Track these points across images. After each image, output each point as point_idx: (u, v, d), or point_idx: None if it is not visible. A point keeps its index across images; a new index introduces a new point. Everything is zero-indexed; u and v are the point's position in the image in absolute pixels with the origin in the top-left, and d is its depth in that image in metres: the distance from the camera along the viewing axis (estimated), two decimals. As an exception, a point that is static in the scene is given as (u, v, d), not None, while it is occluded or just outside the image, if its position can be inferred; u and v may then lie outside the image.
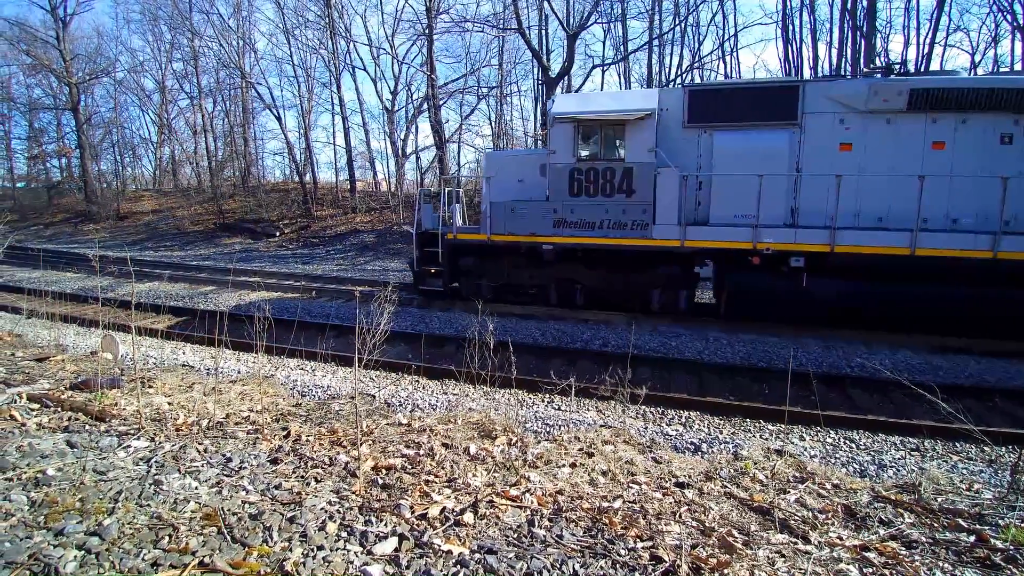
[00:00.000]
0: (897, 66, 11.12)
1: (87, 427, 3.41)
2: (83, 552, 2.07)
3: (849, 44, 22.22)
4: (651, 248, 9.76)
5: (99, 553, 2.07)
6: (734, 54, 27.15)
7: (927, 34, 21.84)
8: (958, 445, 5.49)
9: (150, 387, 4.37)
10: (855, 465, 5.05)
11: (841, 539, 2.63)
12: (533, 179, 10.62)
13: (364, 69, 30.35)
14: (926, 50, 21.80)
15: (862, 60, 20.60)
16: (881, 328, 8.99)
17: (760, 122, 9.37)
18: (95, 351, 6.34)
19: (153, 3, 34.03)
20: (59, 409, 3.74)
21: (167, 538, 2.18)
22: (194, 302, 12.14)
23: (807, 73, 23.10)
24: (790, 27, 24.80)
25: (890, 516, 2.90)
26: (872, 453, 5.35)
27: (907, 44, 23.00)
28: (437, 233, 11.08)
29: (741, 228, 9.22)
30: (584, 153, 9.94)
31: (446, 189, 11.85)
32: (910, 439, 5.64)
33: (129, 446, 3.10)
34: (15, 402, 3.80)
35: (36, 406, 3.78)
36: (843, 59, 22.27)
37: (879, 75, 9.77)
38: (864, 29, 21.01)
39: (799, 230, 9.10)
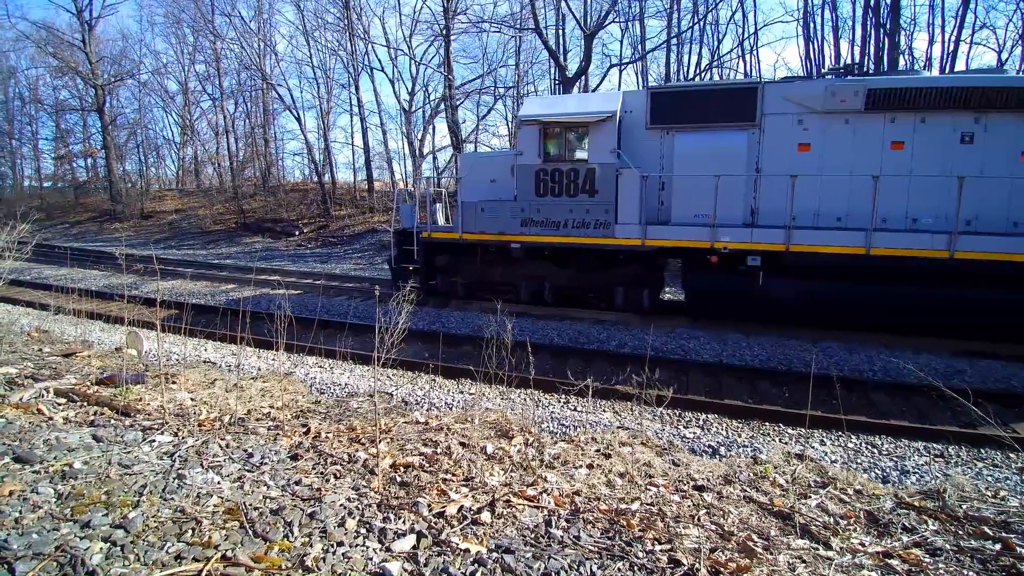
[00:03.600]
0: (855, 66, 11.12)
1: (112, 421, 3.48)
2: (109, 544, 2.10)
3: (872, 42, 21.80)
4: (613, 247, 9.99)
5: (124, 545, 2.10)
6: (754, 52, 26.79)
7: (952, 31, 21.30)
8: (983, 451, 5.38)
9: (173, 383, 4.45)
10: (877, 471, 4.98)
11: (863, 545, 2.59)
12: (504, 179, 10.89)
13: (382, 70, 30.71)
14: (951, 48, 21.27)
15: (886, 58, 20.20)
16: (836, 327, 9.04)
17: (720, 123, 9.53)
18: (120, 347, 6.47)
19: (176, 6, 34.61)
20: (85, 404, 3.82)
21: (190, 531, 2.21)
22: (216, 300, 12.34)
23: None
24: (811, 25, 24.39)
25: (914, 523, 2.85)
26: (895, 459, 5.26)
27: (931, 42, 22.51)
28: (414, 232, 11.38)
29: (700, 227, 9.36)
30: (549, 154, 10.20)
31: (428, 189, 12.26)
32: (934, 444, 5.53)
33: (153, 440, 3.16)
34: (42, 396, 3.88)
35: (63, 400, 3.87)
36: (866, 57, 21.86)
37: (833, 75, 9.85)
38: (888, 26, 20.60)
39: (755, 229, 9.21)
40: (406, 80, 29.13)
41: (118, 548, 2.08)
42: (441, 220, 12.14)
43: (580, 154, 10.04)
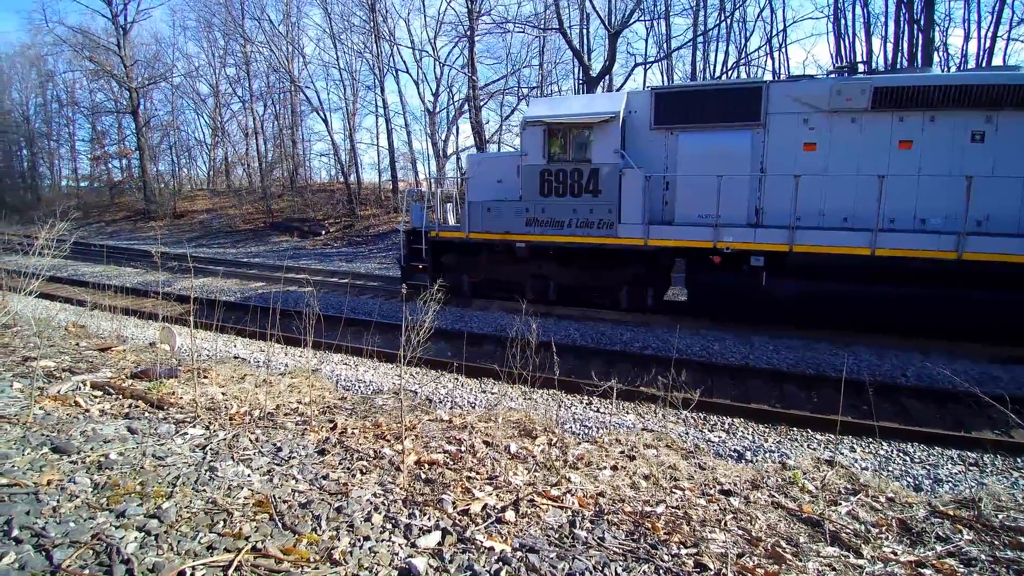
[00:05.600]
0: (862, 65, 10.92)
1: (146, 414, 3.58)
2: (143, 534, 2.15)
3: (906, 38, 21.21)
4: (616, 246, 10.02)
5: (158, 535, 2.15)
6: (783, 50, 26.33)
7: (989, 27, 20.62)
8: (1020, 460, 5.20)
9: (205, 378, 4.55)
10: (909, 479, 4.86)
11: (895, 554, 2.52)
12: (510, 180, 11.02)
13: (407, 72, 30.95)
14: (988, 44, 20.59)
15: (919, 55, 19.63)
16: (841, 329, 8.90)
17: (724, 123, 9.47)
18: (153, 342, 6.65)
19: (208, 11, 35.44)
20: (120, 396, 3.92)
21: (222, 523, 2.26)
22: (246, 298, 12.60)
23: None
24: (842, 21, 23.86)
25: (947, 532, 2.77)
26: (927, 467, 5.12)
27: (967, 38, 21.78)
28: (423, 231, 11.54)
29: (703, 227, 9.33)
30: (554, 155, 10.28)
31: (437, 189, 12.41)
32: (968, 453, 5.37)
33: (186, 433, 3.24)
34: (80, 389, 4.00)
35: (99, 393, 3.98)
36: (899, 54, 21.28)
37: (838, 74, 9.82)
38: (922, 23, 20.02)
39: (759, 229, 9.14)
40: (430, 81, 29.44)
41: (152, 538, 2.13)
42: (452, 220, 12.30)
43: (584, 154, 10.09)
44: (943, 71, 16.62)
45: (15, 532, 2.06)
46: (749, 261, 9.10)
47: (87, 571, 1.89)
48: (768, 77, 24.05)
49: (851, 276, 8.57)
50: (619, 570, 2.18)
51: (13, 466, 2.58)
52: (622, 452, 3.63)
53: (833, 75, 10.05)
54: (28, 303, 7.66)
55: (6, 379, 3.97)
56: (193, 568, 1.94)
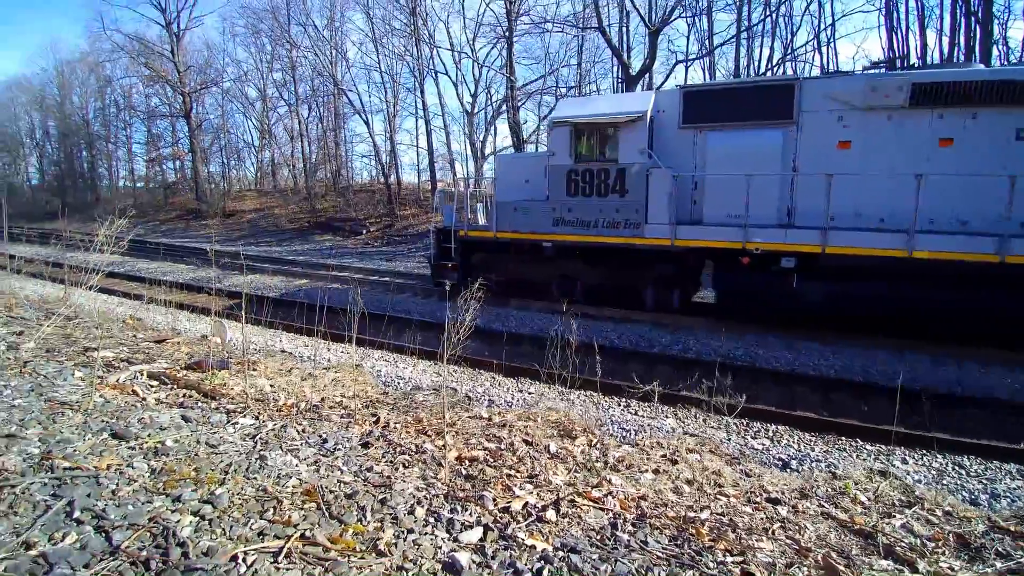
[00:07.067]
0: (899, 61, 10.43)
1: (199, 404, 3.71)
2: (197, 518, 2.22)
3: (962, 31, 20.16)
4: (643, 247, 9.93)
5: (212, 520, 2.22)
6: (831, 45, 25.43)
7: (1052, 20, 19.45)
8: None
9: (254, 370, 4.70)
10: (964, 493, 4.64)
11: (953, 570, 2.40)
12: (538, 180, 11.06)
13: (446, 73, 31.16)
14: (1050, 37, 19.40)
15: (977, 49, 18.63)
16: (875, 334, 8.53)
17: (755, 121, 9.22)
18: (205, 335, 6.92)
19: (256, 18, 36.65)
20: (175, 386, 4.08)
21: (271, 510, 2.33)
22: (291, 293, 12.97)
23: (915, 63, 21.26)
24: (894, 14, 22.87)
25: (1008, 548, 2.62)
26: (984, 481, 4.89)
27: (1027, 30, 20.58)
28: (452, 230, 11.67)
29: (731, 228, 9.11)
30: (581, 155, 10.24)
31: (466, 189, 12.67)
32: (1028, 468, 5.08)
33: (237, 423, 3.35)
34: (137, 379, 4.17)
35: (155, 383, 4.15)
36: (955, 48, 20.24)
37: (880, 69, 9.52)
38: (979, 15, 18.99)
39: (790, 230, 8.89)
40: (469, 83, 29.51)
41: (206, 522, 2.20)
42: (482, 220, 12.41)
43: (611, 154, 10.03)
44: (1002, 65, 15.78)
45: (77, 514, 2.14)
46: (779, 262, 8.88)
47: (145, 553, 1.97)
48: (815, 72, 23.27)
49: (887, 279, 8.24)
50: (662, 575, 2.14)
51: (75, 450, 2.70)
52: (664, 456, 3.57)
53: (873, 70, 9.74)
54: (89, 297, 8.07)
55: (68, 368, 4.18)
56: (245, 552, 2.00)
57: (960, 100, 8.04)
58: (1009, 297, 7.62)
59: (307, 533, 2.16)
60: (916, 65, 11.54)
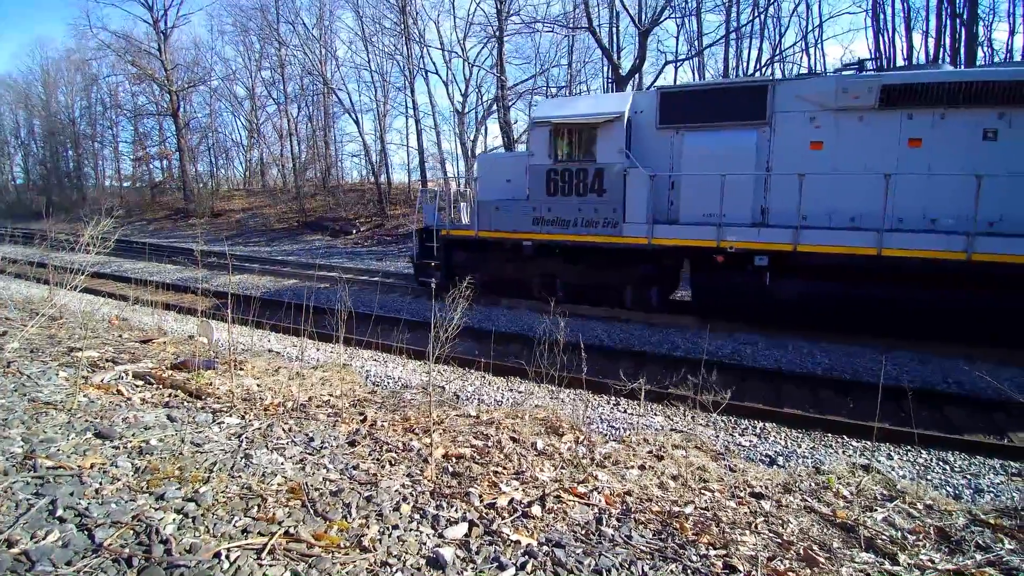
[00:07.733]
0: (870, 62, 10.66)
1: (185, 403, 3.69)
2: (181, 516, 2.23)
3: (948, 33, 20.45)
4: (621, 245, 10.03)
5: (195, 517, 2.22)
6: (819, 46, 25.70)
7: (1034, 21, 19.78)
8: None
9: (240, 370, 4.68)
10: (948, 488, 4.72)
11: (933, 562, 2.45)
12: (519, 179, 11.11)
13: (436, 73, 31.16)
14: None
15: (962, 50, 18.90)
16: (845, 331, 8.69)
17: (729, 122, 9.36)
18: (192, 335, 6.87)
19: (244, 15, 36.33)
20: (160, 386, 4.06)
21: (256, 507, 2.33)
22: (279, 293, 12.89)
23: (900, 64, 21.54)
24: (881, 16, 23.18)
25: (988, 541, 2.68)
26: (968, 476, 4.97)
27: (1012, 32, 20.94)
28: (434, 229, 11.69)
29: (707, 227, 9.24)
30: (560, 155, 10.33)
31: (448, 188, 12.67)
32: (1011, 463, 5.17)
33: (222, 422, 3.33)
34: (122, 378, 4.15)
35: (140, 383, 4.13)
36: (941, 49, 20.52)
37: (850, 71, 9.59)
38: (964, 16, 19.26)
39: (763, 229, 9.03)
40: (459, 82, 29.45)
41: (190, 520, 2.21)
42: (465, 219, 12.43)
43: (589, 154, 10.12)
44: (989, 66, 15.99)
45: (59, 512, 2.15)
46: (753, 261, 9.00)
47: (127, 550, 1.96)
48: (804, 72, 23.47)
49: (857, 277, 8.38)
50: (646, 568, 2.16)
51: (58, 450, 2.69)
52: (650, 452, 3.60)
53: (843, 72, 9.89)
54: (74, 297, 7.97)
55: (52, 368, 4.15)
56: (228, 549, 2.00)
57: (928, 101, 8.18)
58: (975, 294, 7.77)
59: (291, 530, 2.16)
60: (885, 67, 11.78)
